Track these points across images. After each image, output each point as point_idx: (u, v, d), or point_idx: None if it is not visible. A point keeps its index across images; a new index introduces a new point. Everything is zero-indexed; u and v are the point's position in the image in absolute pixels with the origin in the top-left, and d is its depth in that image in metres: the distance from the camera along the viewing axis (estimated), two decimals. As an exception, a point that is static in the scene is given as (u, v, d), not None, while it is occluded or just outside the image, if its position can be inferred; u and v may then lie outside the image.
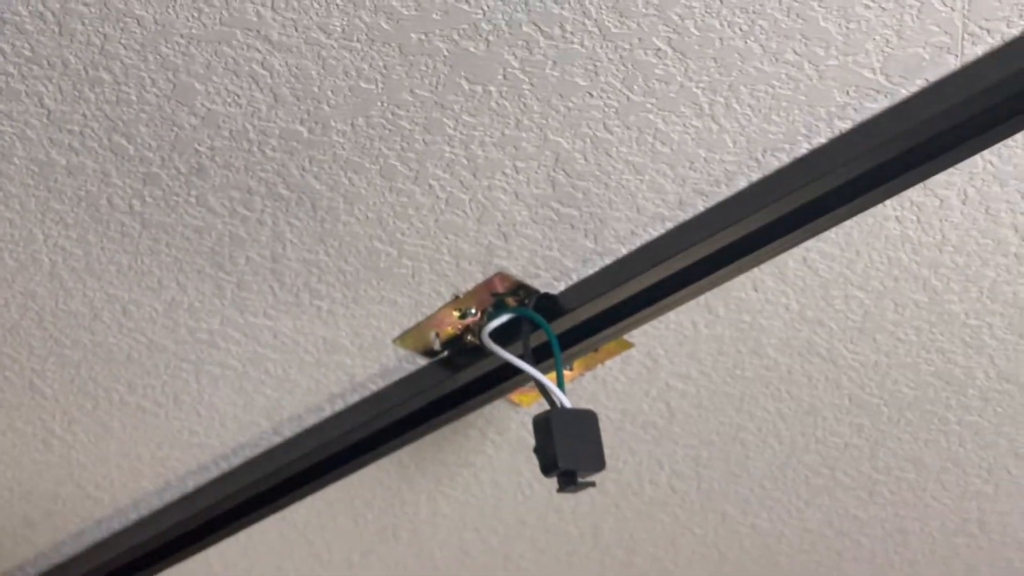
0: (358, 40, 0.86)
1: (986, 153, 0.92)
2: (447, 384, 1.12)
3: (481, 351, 1.08)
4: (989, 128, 0.86)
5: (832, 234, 0.98)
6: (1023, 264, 1.01)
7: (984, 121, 0.86)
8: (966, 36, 0.84)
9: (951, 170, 0.93)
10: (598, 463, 0.99)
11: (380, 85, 0.89)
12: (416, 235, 1.01)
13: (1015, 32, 0.83)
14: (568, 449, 0.98)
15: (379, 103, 0.91)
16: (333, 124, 0.92)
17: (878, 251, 1.01)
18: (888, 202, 0.96)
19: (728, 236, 0.97)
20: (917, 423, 1.18)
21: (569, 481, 0.99)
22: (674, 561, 1.39)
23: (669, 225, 0.99)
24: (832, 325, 1.08)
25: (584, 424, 1.00)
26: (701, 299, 1.05)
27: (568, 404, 1.00)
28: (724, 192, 0.96)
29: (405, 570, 1.41)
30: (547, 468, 0.98)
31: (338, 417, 1.20)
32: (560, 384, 1.01)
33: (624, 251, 1.01)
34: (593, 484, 0.99)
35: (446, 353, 1.11)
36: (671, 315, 1.07)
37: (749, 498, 1.29)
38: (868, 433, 1.19)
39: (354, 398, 1.18)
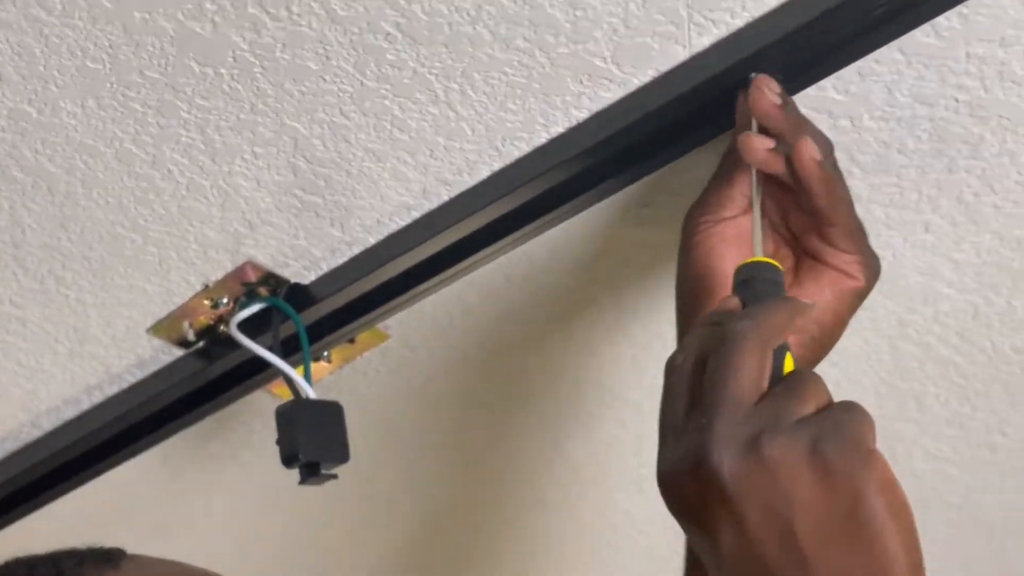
0: (80, 18, 0.84)
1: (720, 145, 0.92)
2: (203, 375, 1.10)
3: (235, 341, 1.06)
4: (714, 118, 0.87)
5: (577, 223, 0.98)
6: (767, 257, 1.01)
7: (712, 110, 0.87)
8: (692, 26, 0.84)
9: (690, 160, 0.93)
10: (342, 455, 0.98)
11: (108, 65, 0.87)
12: (160, 222, 0.99)
13: (739, 23, 0.83)
14: (311, 441, 0.97)
15: (108, 84, 0.88)
16: (63, 105, 0.90)
17: (624, 238, 1.01)
18: (629, 191, 0.95)
19: (473, 224, 0.96)
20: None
21: (312, 472, 0.97)
22: (458, 551, 1.39)
23: (415, 214, 0.98)
24: (586, 320, 1.08)
25: (329, 415, 0.99)
26: (454, 289, 1.04)
27: (313, 395, 0.99)
28: (468, 181, 0.95)
29: (180, 567, 1.39)
30: (288, 459, 0.97)
31: (97, 409, 1.17)
32: (307, 375, 1.00)
33: (372, 240, 1.00)
34: (335, 476, 0.98)
35: (201, 343, 1.09)
36: (427, 306, 1.06)
37: (522, 495, 1.29)
38: (631, 427, 1.20)
39: (112, 390, 1.15)
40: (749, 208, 0.87)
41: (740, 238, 0.87)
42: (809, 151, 0.82)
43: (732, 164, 0.87)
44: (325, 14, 0.84)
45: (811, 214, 0.85)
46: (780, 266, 0.79)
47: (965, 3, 0.81)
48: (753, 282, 0.78)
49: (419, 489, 1.28)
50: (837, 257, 0.86)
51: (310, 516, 1.33)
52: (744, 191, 0.87)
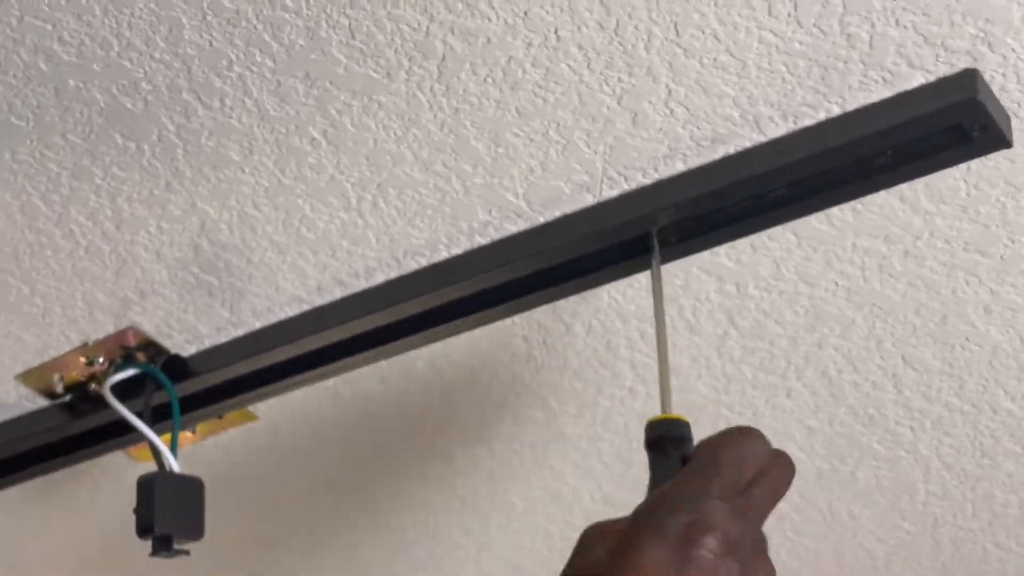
0: (14, 76, 0.85)
1: (612, 290, 0.96)
2: (64, 428, 1.10)
3: (104, 401, 1.06)
4: (612, 264, 0.91)
5: (461, 341, 1.01)
6: (636, 399, 1.05)
7: (609, 258, 0.91)
8: (605, 179, 0.88)
9: (580, 301, 0.97)
10: (196, 532, 0.99)
11: (31, 123, 0.88)
12: (52, 277, 1.00)
13: (648, 182, 0.87)
14: (168, 514, 0.98)
15: (29, 140, 0.89)
16: (-24, 151, 0.91)
17: (504, 365, 1.04)
18: (517, 320, 0.99)
19: (360, 326, 0.98)
20: (524, 532, 1.22)
21: (164, 546, 0.98)
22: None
23: (305, 307, 1.00)
24: (451, 433, 1.11)
25: (190, 491, 1.00)
26: (330, 383, 1.06)
27: (177, 469, 1.00)
28: (362, 284, 0.98)
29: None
30: (143, 530, 0.97)
31: (-51, 446, 1.16)
32: (173, 448, 1.01)
33: (258, 325, 1.02)
34: (187, 553, 0.99)
35: (68, 397, 1.09)
36: (299, 394, 1.08)
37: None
38: (477, 535, 1.23)
39: (-32, 428, 1.15)
40: None
41: None
42: None
43: None
44: (256, 111, 0.86)
45: None
46: (687, 420, 0.79)
47: (860, 200, 0.86)
48: (663, 442, 0.78)
49: (264, 567, 1.29)
50: None
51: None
52: None
